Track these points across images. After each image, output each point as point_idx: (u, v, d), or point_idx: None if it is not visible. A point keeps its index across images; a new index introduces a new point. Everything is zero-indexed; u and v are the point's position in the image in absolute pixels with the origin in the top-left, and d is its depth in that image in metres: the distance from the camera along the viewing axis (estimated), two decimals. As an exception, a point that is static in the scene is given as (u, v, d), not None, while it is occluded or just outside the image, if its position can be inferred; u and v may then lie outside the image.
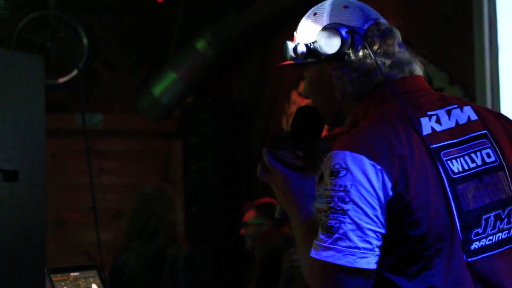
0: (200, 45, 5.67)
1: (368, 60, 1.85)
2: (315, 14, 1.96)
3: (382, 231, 1.70)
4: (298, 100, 5.14)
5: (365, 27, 1.89)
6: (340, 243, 1.68)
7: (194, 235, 5.75)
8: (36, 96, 3.15)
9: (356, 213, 1.69)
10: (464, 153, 1.80)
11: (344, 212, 1.69)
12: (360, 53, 1.86)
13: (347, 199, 1.69)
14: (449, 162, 1.78)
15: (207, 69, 5.87)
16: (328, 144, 1.89)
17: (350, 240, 1.68)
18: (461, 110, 1.86)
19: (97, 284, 2.61)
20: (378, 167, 1.70)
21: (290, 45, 1.96)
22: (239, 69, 6.11)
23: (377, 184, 1.70)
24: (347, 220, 1.69)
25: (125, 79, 6.31)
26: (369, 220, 1.69)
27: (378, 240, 1.70)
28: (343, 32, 1.87)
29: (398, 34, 1.91)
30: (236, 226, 4.77)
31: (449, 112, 1.85)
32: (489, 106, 3.60)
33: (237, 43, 5.71)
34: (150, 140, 6.36)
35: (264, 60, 5.72)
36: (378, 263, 1.71)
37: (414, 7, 4.11)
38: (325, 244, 1.70)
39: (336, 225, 1.69)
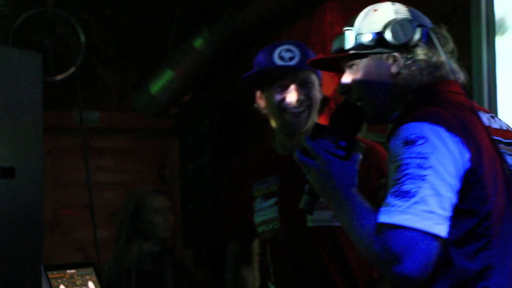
0: (198, 43, 5.66)
1: (434, 55, 1.91)
2: (375, 10, 1.99)
3: (455, 201, 1.73)
4: (295, 99, 5.14)
5: (429, 25, 1.97)
6: (417, 206, 1.69)
7: (190, 233, 5.75)
8: (34, 93, 3.14)
9: (436, 179, 1.70)
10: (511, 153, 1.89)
11: (423, 178, 1.70)
12: (427, 48, 1.91)
13: (426, 165, 1.70)
14: (505, 155, 1.86)
15: (204, 68, 5.87)
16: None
17: (428, 204, 1.69)
18: (495, 119, 1.96)
19: (94, 282, 2.62)
20: (457, 137, 1.74)
21: (350, 34, 1.96)
22: (236, 68, 6.10)
23: (456, 154, 1.73)
24: (426, 185, 1.70)
25: (122, 76, 6.30)
26: (448, 187, 1.71)
27: (451, 211, 1.72)
28: (414, 24, 1.93)
29: (451, 43, 1.98)
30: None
31: (492, 117, 1.95)
32: (486, 106, 3.61)
33: (234, 42, 5.71)
34: (147, 138, 6.35)
35: (261, 58, 5.71)
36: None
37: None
38: (400, 208, 1.70)
39: (413, 190, 1.70)
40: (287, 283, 2.64)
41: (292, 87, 2.63)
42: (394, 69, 1.92)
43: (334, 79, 4.42)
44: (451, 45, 1.97)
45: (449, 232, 1.73)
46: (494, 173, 1.78)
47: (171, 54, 5.87)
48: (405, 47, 1.91)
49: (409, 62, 1.90)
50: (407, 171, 1.71)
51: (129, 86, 6.31)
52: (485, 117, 1.91)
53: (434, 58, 1.91)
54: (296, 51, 2.67)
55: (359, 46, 1.94)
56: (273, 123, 2.75)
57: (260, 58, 2.74)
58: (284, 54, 2.67)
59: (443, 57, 1.91)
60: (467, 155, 1.74)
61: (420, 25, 1.93)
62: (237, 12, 5.35)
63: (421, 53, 1.91)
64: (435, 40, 1.91)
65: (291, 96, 2.62)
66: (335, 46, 2.00)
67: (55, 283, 2.52)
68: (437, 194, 1.70)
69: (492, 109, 3.61)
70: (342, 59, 2.00)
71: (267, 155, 2.74)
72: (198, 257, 6.18)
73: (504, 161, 1.83)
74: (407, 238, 1.69)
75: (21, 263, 2.96)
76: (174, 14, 5.84)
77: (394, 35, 1.90)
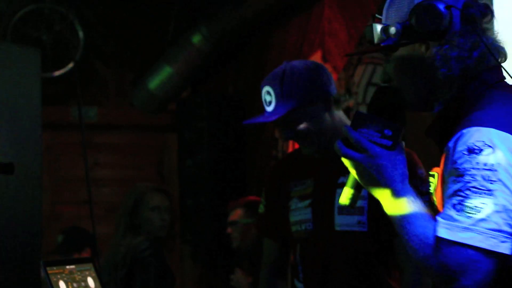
0: (196, 39, 5.66)
1: (470, 37, 1.75)
2: None
3: None
4: (293, 95, 5.14)
5: (461, 2, 1.78)
6: (482, 224, 1.59)
7: (189, 229, 5.76)
8: (33, 89, 3.14)
9: (504, 194, 1.59)
10: None
11: (490, 193, 1.59)
12: (462, 30, 1.75)
13: (493, 179, 1.59)
14: None
15: (202, 64, 5.87)
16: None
17: (494, 222, 1.59)
18: None
19: (93, 277, 2.62)
20: None
21: (378, 26, 1.82)
22: (234, 64, 6.11)
23: None
24: (493, 200, 1.59)
25: (120, 72, 6.31)
26: None
27: None
28: (441, 7, 1.75)
29: (492, 10, 1.81)
30: (225, 216, 4.77)
31: None
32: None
33: (232, 38, 5.71)
34: (145, 134, 6.36)
35: (260, 55, 5.71)
36: None
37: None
38: (464, 225, 1.60)
39: (479, 206, 1.59)
40: (313, 283, 2.67)
41: (278, 131, 2.68)
42: (429, 57, 1.78)
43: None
44: (491, 11, 1.80)
45: None
46: None
47: (169, 50, 5.87)
48: (436, 34, 1.75)
49: (442, 50, 1.76)
50: (472, 184, 1.60)
51: (127, 82, 6.31)
52: None
53: (470, 41, 1.75)
54: (272, 93, 2.64)
55: (385, 38, 1.81)
56: None
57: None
58: (265, 97, 2.68)
59: (479, 38, 1.74)
60: None
61: (449, 6, 1.74)
62: (235, 8, 5.35)
63: (454, 38, 1.75)
64: (466, 19, 1.74)
65: (282, 137, 2.69)
66: (367, 36, 1.86)
67: (54, 279, 2.53)
68: (505, 210, 1.59)
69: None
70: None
71: (305, 158, 2.77)
72: (197, 253, 6.19)
73: None
74: (467, 256, 1.60)
75: (21, 259, 2.96)
76: (172, 10, 5.84)
77: (419, 23, 1.75)
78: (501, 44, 1.81)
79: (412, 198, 1.70)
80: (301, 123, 2.61)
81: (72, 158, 5.89)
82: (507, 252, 1.61)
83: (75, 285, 2.57)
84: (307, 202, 2.68)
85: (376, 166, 1.71)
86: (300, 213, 2.70)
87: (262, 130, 5.58)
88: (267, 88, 2.66)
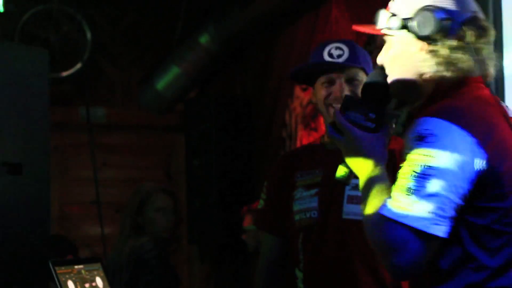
0: (204, 39, 5.67)
1: (457, 51, 1.86)
2: None
3: (461, 202, 1.72)
4: (301, 95, 5.14)
5: (464, 17, 1.89)
6: (417, 205, 1.70)
7: (196, 229, 5.76)
8: (41, 89, 3.15)
9: (440, 180, 1.70)
10: None
11: (427, 177, 1.70)
12: (452, 42, 1.87)
13: (432, 165, 1.70)
14: None
15: (210, 64, 5.87)
16: (397, 112, 1.98)
17: (428, 204, 1.70)
18: None
19: (101, 277, 2.62)
20: (472, 138, 1.72)
21: (385, 14, 1.94)
22: (242, 64, 6.11)
23: (467, 155, 1.71)
24: (429, 185, 1.70)
25: (128, 73, 6.31)
26: (452, 189, 1.70)
27: (455, 211, 1.72)
28: (441, 17, 1.87)
29: (492, 34, 1.92)
30: (238, 221, 4.78)
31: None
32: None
33: (240, 38, 5.71)
34: (153, 134, 6.36)
35: (267, 55, 5.72)
36: (456, 235, 1.73)
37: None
38: (401, 204, 1.71)
39: (416, 188, 1.71)
40: (314, 271, 2.67)
41: (338, 82, 2.68)
42: (418, 57, 1.90)
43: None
44: (490, 35, 1.91)
45: (466, 228, 1.74)
46: None
47: (177, 50, 5.87)
48: (428, 39, 1.87)
49: (429, 55, 1.88)
50: (414, 168, 1.72)
51: (135, 82, 6.31)
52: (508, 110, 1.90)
53: (458, 54, 1.86)
54: (345, 49, 2.73)
55: (387, 27, 1.93)
56: (324, 119, 2.82)
57: (311, 54, 2.81)
58: (333, 52, 2.73)
59: (469, 53, 1.86)
60: (482, 156, 1.73)
61: (448, 19, 1.86)
62: (243, 8, 5.35)
63: (443, 47, 1.86)
64: (460, 35, 1.86)
65: (337, 91, 2.68)
66: (376, 19, 1.98)
67: (63, 279, 2.53)
68: (439, 194, 1.70)
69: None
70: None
71: (316, 149, 2.80)
72: (204, 253, 6.19)
73: None
74: (400, 235, 1.71)
75: (29, 259, 2.97)
76: (180, 10, 5.85)
77: (417, 26, 1.88)
78: (490, 63, 1.91)
79: (382, 178, 1.83)
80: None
81: (80, 159, 5.90)
82: (440, 234, 1.71)
83: (83, 285, 2.57)
84: (313, 191, 2.70)
85: (354, 147, 1.89)
86: (305, 201, 2.71)
87: (269, 131, 5.59)
88: (337, 44, 2.75)
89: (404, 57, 1.92)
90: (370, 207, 1.79)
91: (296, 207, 2.73)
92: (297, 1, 5.15)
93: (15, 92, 3.04)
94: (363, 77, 2.71)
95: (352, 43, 2.79)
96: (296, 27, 5.31)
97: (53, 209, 5.64)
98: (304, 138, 5.02)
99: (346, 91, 2.69)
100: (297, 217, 2.73)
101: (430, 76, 1.89)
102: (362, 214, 1.83)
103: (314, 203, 2.70)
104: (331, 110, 2.71)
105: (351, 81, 2.71)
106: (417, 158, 1.72)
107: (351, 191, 2.65)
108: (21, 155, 3.02)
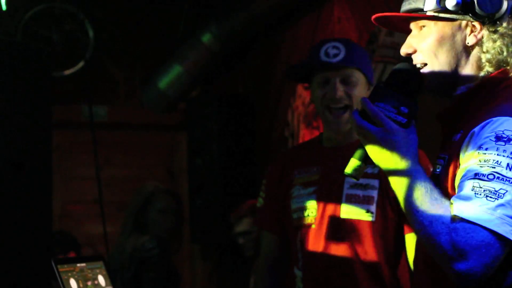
0: (206, 38, 5.67)
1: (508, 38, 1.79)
2: None
3: None
4: (303, 94, 5.14)
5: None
6: (501, 210, 1.63)
7: (198, 227, 5.76)
8: (43, 87, 3.15)
9: None
10: None
11: (510, 180, 1.63)
12: (509, 21, 1.80)
13: None
14: None
15: (212, 63, 5.87)
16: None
17: (508, 210, 1.63)
18: None
19: (103, 275, 2.62)
20: None
21: None
22: (244, 63, 6.11)
23: None
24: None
25: (130, 72, 6.31)
26: None
27: None
28: None
29: None
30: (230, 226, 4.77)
31: None
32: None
33: (242, 37, 5.71)
34: (155, 133, 6.37)
35: (269, 54, 5.71)
36: None
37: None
38: (483, 207, 1.63)
39: (501, 191, 1.63)
40: (313, 269, 2.67)
41: (333, 81, 2.67)
42: (470, 40, 1.81)
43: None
44: None
45: None
46: None
47: (179, 49, 5.87)
48: (490, 19, 1.78)
49: (492, 35, 1.79)
50: (496, 169, 1.64)
51: (137, 81, 6.31)
52: None
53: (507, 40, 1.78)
54: (342, 48, 2.71)
55: (440, 8, 1.81)
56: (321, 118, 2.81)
57: (309, 53, 2.80)
58: (330, 51, 2.72)
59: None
60: None
61: None
62: (245, 7, 5.35)
63: (505, 27, 1.78)
64: None
65: (331, 90, 2.66)
66: (409, 4, 1.87)
67: (65, 277, 2.53)
68: None
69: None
70: (412, 19, 1.88)
71: (313, 147, 2.80)
72: (206, 252, 6.19)
73: None
74: (482, 239, 1.62)
75: (32, 257, 2.97)
76: (182, 9, 5.85)
77: (481, 4, 1.77)
78: None
79: (422, 175, 1.72)
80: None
81: (82, 157, 5.90)
82: None
83: (86, 283, 2.57)
84: (311, 189, 2.70)
85: (391, 141, 1.74)
86: (302, 199, 2.71)
87: (272, 130, 5.58)
88: (334, 43, 2.73)
89: (454, 40, 1.82)
90: (427, 211, 1.67)
91: (293, 205, 2.74)
92: (300, 0, 5.15)
93: (18, 90, 3.04)
94: (358, 77, 2.70)
95: (350, 42, 2.77)
96: (299, 27, 5.31)
97: (55, 208, 5.63)
98: (306, 136, 5.02)
99: (341, 91, 2.68)
100: (295, 215, 2.73)
101: (489, 60, 1.80)
102: (409, 213, 1.71)
103: (313, 202, 2.70)
104: (327, 114, 2.71)
105: (346, 80, 2.70)
106: (501, 160, 1.64)
107: (350, 190, 2.64)
108: (23, 154, 3.02)
